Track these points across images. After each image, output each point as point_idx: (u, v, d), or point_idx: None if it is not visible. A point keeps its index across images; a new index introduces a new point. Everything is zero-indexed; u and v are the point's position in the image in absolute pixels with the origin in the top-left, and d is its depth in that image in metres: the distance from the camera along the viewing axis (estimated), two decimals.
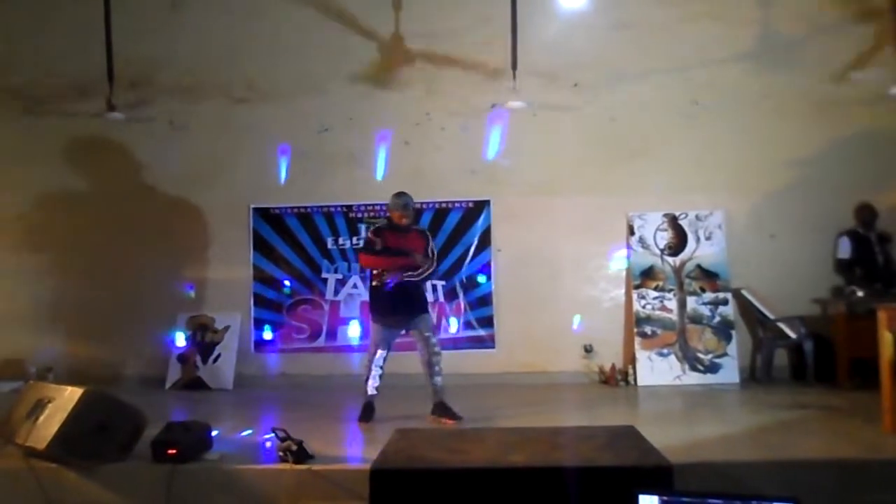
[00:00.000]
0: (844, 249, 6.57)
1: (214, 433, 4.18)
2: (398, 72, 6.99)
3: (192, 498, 3.70)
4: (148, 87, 7.01)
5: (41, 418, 3.84)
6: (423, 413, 5.11)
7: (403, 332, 5.28)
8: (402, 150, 7.01)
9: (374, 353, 5.17)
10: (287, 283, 7.04)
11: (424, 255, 5.17)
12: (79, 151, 7.17)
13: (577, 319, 6.83)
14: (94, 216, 7.17)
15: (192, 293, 7.10)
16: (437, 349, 5.15)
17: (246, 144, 7.08)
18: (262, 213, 7.13)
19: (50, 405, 3.87)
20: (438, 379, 5.11)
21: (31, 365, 6.82)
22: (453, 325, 6.90)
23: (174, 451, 3.80)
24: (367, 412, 5.12)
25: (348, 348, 6.95)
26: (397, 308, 5.11)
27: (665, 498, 2.27)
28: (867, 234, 6.56)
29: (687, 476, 3.44)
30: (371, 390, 5.15)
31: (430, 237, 5.38)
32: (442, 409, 5.07)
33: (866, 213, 6.55)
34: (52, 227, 7.19)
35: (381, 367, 5.16)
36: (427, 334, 5.15)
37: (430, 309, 5.48)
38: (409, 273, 5.11)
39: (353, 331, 6.95)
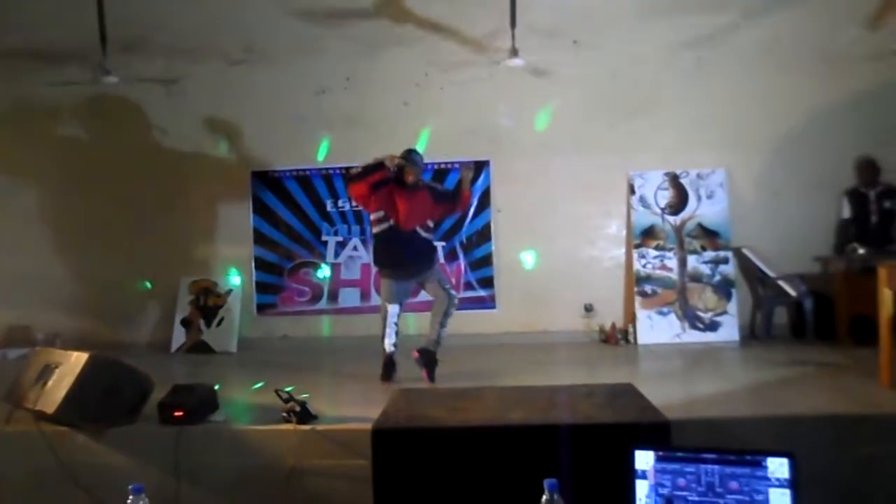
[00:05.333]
0: (845, 210, 6.53)
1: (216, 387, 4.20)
2: (396, 31, 6.89)
3: (200, 458, 3.76)
4: (142, 50, 6.92)
5: (49, 383, 3.88)
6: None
7: (415, 286, 5.20)
8: (401, 111, 6.95)
9: (386, 310, 5.05)
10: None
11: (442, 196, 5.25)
12: (73, 117, 7.13)
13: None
14: (93, 183, 7.15)
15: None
16: (455, 300, 5.12)
17: (244, 107, 7.03)
18: (262, 177, 7.12)
19: (57, 370, 3.92)
20: (445, 331, 5.05)
21: (39, 332, 6.90)
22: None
23: (181, 413, 3.85)
24: (388, 370, 4.96)
25: (350, 310, 6.99)
26: (403, 257, 5.03)
27: (661, 453, 2.31)
28: (867, 192, 6.49)
29: (685, 432, 3.48)
30: (389, 347, 4.99)
31: (438, 186, 5.53)
32: (429, 360, 4.95)
33: (867, 169, 6.48)
34: (52, 196, 7.19)
35: (396, 324, 5.02)
36: (447, 286, 5.12)
37: (435, 265, 5.28)
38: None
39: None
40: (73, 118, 7.14)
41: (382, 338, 5.06)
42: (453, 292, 5.16)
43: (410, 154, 5.10)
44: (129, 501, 1.77)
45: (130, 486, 1.78)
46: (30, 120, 7.16)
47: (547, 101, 6.87)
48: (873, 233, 6.34)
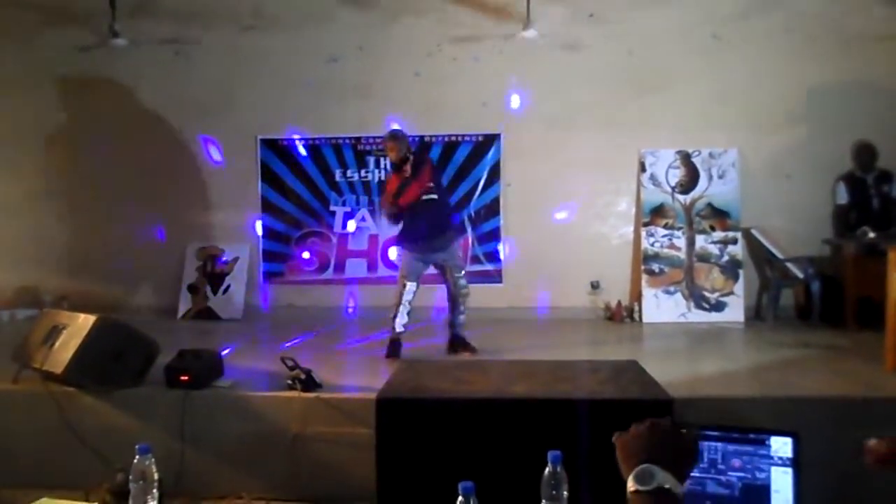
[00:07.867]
0: (841, 195, 6.45)
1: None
2: (409, 1, 6.80)
3: (205, 422, 3.80)
4: (151, 14, 6.86)
5: (57, 344, 3.92)
6: (433, 346, 5.13)
7: (432, 265, 5.08)
8: (413, 82, 6.89)
9: (404, 287, 4.90)
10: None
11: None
12: (81, 80, 7.08)
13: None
14: (100, 147, 7.12)
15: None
16: (464, 290, 5.07)
17: (253, 74, 6.97)
18: (270, 145, 7.09)
19: (65, 331, 3.95)
20: (462, 317, 5.07)
21: (46, 293, 6.94)
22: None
23: (187, 378, 3.89)
24: (394, 348, 4.87)
25: (356, 280, 7.01)
26: (428, 233, 4.92)
27: None
28: (864, 177, 6.39)
29: (687, 410, 3.49)
30: (399, 327, 4.88)
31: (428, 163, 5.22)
32: (461, 343, 5.06)
33: (864, 154, 6.36)
34: (61, 158, 7.18)
35: (410, 304, 4.90)
36: (457, 275, 5.05)
37: (457, 243, 5.28)
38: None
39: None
40: (80, 80, 7.09)
41: (393, 317, 4.90)
42: (462, 281, 5.08)
43: (389, 131, 5.13)
44: (135, 461, 1.78)
45: (137, 447, 1.79)
46: (38, 83, 7.11)
47: (560, 76, 6.78)
48: (876, 217, 6.24)
